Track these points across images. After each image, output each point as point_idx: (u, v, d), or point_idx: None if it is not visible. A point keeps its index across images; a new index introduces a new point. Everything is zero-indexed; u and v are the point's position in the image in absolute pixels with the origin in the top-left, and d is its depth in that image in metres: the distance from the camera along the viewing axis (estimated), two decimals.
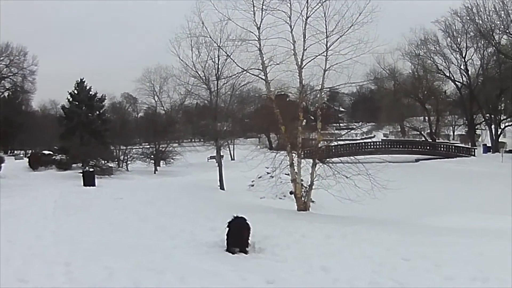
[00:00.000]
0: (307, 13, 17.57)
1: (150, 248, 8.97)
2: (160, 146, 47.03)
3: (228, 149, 51.76)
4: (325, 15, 17.45)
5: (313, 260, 7.92)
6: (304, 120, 20.25)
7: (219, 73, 28.03)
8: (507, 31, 46.09)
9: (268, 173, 23.92)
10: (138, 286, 6.36)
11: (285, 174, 20.04)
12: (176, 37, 26.18)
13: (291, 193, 22.00)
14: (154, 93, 57.01)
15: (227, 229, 8.83)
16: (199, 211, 15.44)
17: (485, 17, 47.23)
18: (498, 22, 46.44)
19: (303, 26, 17.70)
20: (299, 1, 17.53)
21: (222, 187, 29.39)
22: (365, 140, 59.56)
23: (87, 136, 42.80)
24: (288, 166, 18.40)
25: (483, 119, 52.43)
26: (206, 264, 7.65)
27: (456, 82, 54.53)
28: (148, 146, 49.84)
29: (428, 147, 52.18)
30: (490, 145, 49.83)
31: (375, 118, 72.11)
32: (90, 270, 7.08)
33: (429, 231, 12.30)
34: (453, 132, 65.46)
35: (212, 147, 35.39)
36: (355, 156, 19.48)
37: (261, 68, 18.65)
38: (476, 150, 47.99)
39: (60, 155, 40.10)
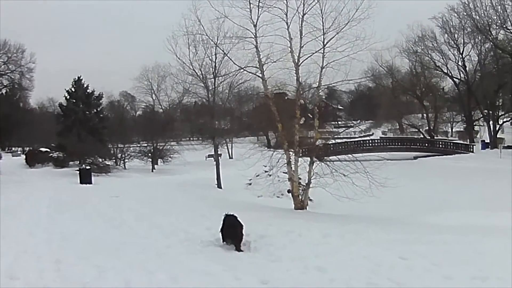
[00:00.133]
0: (303, 10, 17.46)
1: (144, 246, 8.85)
2: (158, 144, 46.93)
3: (226, 147, 51.70)
4: (321, 12, 17.38)
5: (309, 260, 7.76)
6: (303, 118, 20.13)
7: (216, 71, 27.94)
8: (504, 26, 46.00)
9: (266, 171, 23.80)
10: (128, 286, 6.24)
11: (283, 172, 19.94)
12: (173, 35, 26.11)
13: (288, 191, 21.87)
14: (152, 91, 57.08)
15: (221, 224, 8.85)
16: (195, 210, 15.32)
17: (482, 12, 47.22)
18: (495, 17, 46.40)
19: (300, 23, 17.59)
20: None
21: (219, 186, 29.31)
22: (363, 138, 59.61)
23: (84, 133, 42.80)
24: (286, 165, 18.28)
25: (481, 115, 52.40)
26: (199, 264, 7.53)
27: (454, 79, 54.53)
28: (146, 145, 49.75)
29: (426, 144, 52.12)
30: (488, 141, 49.80)
31: (373, 116, 72.22)
32: (81, 268, 7.03)
33: (427, 229, 12.17)
34: (451, 129, 65.51)
35: (210, 146, 35.32)
36: (353, 154, 19.39)
37: (258, 66, 18.51)
38: (474, 146, 47.98)
39: (57, 153, 39.98)
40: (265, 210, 16.75)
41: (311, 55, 17.84)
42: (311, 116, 21.83)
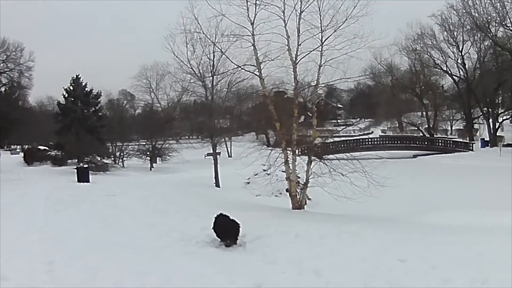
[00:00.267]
0: (301, 8, 17.21)
1: (138, 247, 8.75)
2: (157, 143, 46.81)
3: (225, 146, 51.57)
4: (319, 10, 17.10)
5: (305, 262, 7.63)
6: (302, 117, 19.98)
7: (214, 69, 27.83)
8: (504, 23, 45.93)
9: (264, 170, 23.64)
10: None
11: (282, 171, 19.76)
12: (170, 34, 25.96)
13: (287, 190, 21.69)
14: (151, 90, 56.70)
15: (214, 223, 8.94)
16: (192, 209, 15.15)
17: (481, 9, 47.23)
18: (494, 14, 46.37)
19: (297, 20, 17.34)
20: None
21: (217, 185, 29.18)
22: (363, 136, 59.58)
23: (83, 132, 42.64)
24: (284, 164, 18.14)
25: (481, 113, 52.30)
26: (194, 265, 7.45)
27: (454, 76, 54.46)
28: (144, 143, 49.63)
29: (426, 143, 52.12)
30: (488, 139, 49.73)
31: (373, 114, 72.21)
32: (73, 269, 6.95)
33: (426, 230, 11.99)
34: (451, 127, 65.41)
35: (209, 144, 35.19)
36: (352, 153, 19.23)
37: (256, 65, 18.35)
38: (474, 144, 47.92)
39: (55, 151, 39.84)
40: (262, 210, 16.61)
41: (309, 53, 17.62)
42: (310, 115, 21.70)
